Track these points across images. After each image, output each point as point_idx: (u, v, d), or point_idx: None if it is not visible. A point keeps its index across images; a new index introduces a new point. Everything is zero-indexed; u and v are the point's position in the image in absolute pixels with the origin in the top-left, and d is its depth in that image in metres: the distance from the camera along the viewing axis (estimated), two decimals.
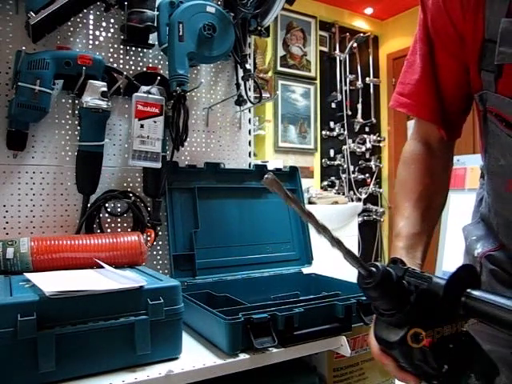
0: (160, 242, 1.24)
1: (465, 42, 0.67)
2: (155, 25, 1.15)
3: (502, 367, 0.73)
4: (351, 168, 4.00)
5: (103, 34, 1.18)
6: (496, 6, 0.60)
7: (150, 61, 1.26)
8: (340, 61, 3.99)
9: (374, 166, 4.17)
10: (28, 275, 0.80)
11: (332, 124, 3.97)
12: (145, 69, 1.23)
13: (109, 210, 1.17)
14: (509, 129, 0.63)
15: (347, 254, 0.46)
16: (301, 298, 0.97)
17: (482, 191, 0.84)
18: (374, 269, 0.47)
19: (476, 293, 0.49)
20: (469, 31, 0.65)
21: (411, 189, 0.75)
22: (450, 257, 2.55)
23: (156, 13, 1.15)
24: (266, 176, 0.43)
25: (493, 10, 0.60)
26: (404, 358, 0.51)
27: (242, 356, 0.80)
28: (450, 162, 0.81)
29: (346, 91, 4.00)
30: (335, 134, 3.95)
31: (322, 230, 0.45)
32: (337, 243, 0.45)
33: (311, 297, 0.97)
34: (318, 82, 3.88)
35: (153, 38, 1.21)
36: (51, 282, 0.76)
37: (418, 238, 0.71)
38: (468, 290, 0.49)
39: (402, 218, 0.73)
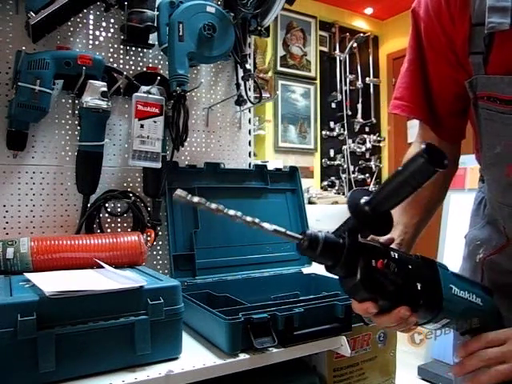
0: (160, 242, 1.24)
1: (454, 43, 0.69)
2: (155, 25, 1.15)
3: None
4: (351, 168, 4.00)
5: (103, 34, 1.18)
6: None
7: (150, 61, 1.26)
8: (340, 61, 3.99)
9: (374, 166, 4.17)
10: (28, 275, 0.80)
11: (332, 124, 3.97)
12: (145, 69, 1.23)
13: (109, 210, 1.17)
14: (503, 106, 0.64)
15: (274, 231, 0.51)
16: (301, 298, 0.97)
17: (480, 194, 0.85)
18: (301, 236, 0.52)
19: (366, 197, 0.54)
20: (457, 31, 0.68)
21: None
22: (450, 256, 2.55)
23: (156, 13, 1.15)
24: (174, 194, 0.48)
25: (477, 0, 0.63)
26: (373, 290, 0.54)
27: (242, 356, 0.80)
28: (449, 160, 0.81)
29: (346, 91, 4.01)
30: (335, 134, 3.95)
31: (237, 217, 0.50)
32: (256, 224, 0.50)
33: (311, 297, 0.96)
34: (318, 81, 3.88)
35: (153, 38, 1.21)
36: (51, 282, 0.76)
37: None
38: (361, 201, 0.53)
39: None
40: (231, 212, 0.49)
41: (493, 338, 0.60)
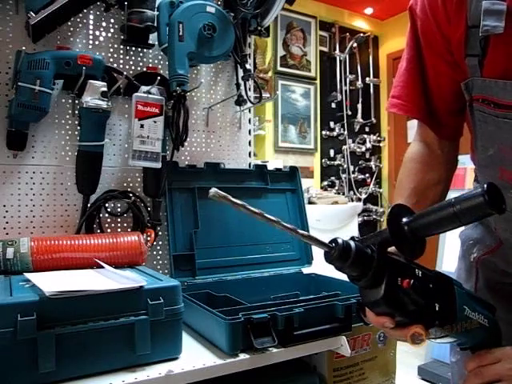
0: (160, 242, 1.24)
1: (450, 42, 0.69)
2: (155, 25, 1.15)
3: None
4: (351, 168, 4.00)
5: (103, 34, 1.18)
6: None
7: (150, 61, 1.25)
8: (340, 61, 3.99)
9: (373, 166, 4.17)
10: (28, 275, 0.80)
11: (332, 124, 3.97)
12: (145, 69, 1.23)
13: (109, 210, 1.17)
14: (497, 109, 0.64)
15: (307, 237, 0.51)
16: (301, 298, 0.97)
17: None
18: (334, 244, 0.51)
19: (408, 217, 0.54)
20: (453, 31, 0.67)
21: (404, 186, 0.77)
22: (450, 257, 2.55)
23: (156, 13, 1.15)
24: (210, 192, 0.49)
25: (474, 1, 0.63)
26: (395, 308, 0.54)
27: (242, 356, 0.79)
28: (449, 158, 0.81)
29: (346, 91, 4.00)
30: (335, 134, 3.95)
31: (276, 223, 0.51)
32: (294, 231, 0.50)
33: (311, 297, 0.97)
34: (318, 82, 3.88)
35: (153, 38, 1.21)
36: (51, 282, 0.76)
37: None
38: (403, 220, 0.53)
39: None
40: (257, 210, 0.51)
41: (489, 356, 0.60)
